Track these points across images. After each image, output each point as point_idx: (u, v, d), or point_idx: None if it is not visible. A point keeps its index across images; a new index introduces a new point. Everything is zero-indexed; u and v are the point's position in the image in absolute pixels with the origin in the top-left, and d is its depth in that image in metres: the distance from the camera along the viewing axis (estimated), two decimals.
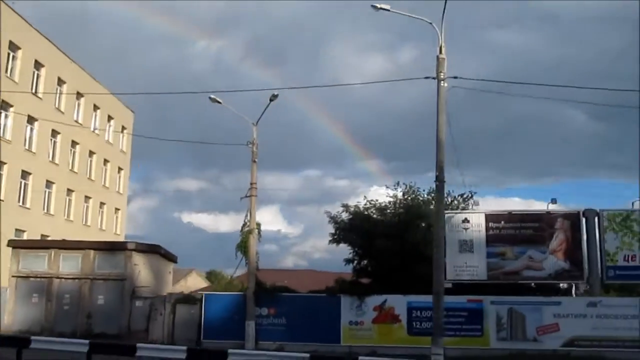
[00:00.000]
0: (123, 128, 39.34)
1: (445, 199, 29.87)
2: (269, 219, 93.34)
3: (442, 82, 15.19)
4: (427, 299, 19.82)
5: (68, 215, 32.36)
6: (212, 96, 20.64)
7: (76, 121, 32.90)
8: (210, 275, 51.28)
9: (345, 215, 21.76)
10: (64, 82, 31.77)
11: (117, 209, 38.58)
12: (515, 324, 19.57)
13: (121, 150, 39.36)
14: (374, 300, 20.25)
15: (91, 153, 34.77)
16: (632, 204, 22.86)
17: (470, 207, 29.24)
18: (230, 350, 12.48)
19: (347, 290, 20.59)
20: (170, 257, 25.78)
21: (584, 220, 20.96)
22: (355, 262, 22.27)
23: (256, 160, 21.39)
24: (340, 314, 20.33)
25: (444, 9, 14.70)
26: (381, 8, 15.43)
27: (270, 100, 20.27)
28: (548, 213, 21.67)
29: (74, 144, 32.87)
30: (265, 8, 76.63)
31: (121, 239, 37.59)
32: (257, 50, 78.71)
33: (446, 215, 21.66)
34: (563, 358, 18.55)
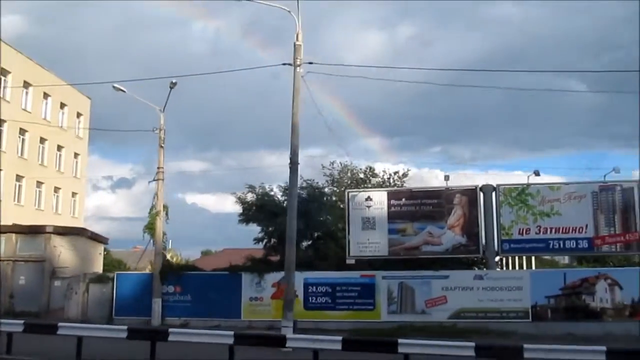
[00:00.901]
0: (79, 114, 40.12)
1: (381, 177, 30.92)
2: None
3: (298, 67, 15.75)
4: (322, 275, 20.87)
5: (19, 200, 33.40)
6: (116, 85, 21.24)
7: (24, 109, 33.71)
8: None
9: (250, 196, 22.43)
10: (9, 72, 32.54)
11: (74, 193, 39.55)
12: (405, 298, 20.27)
13: (77, 136, 40.14)
14: (273, 277, 21.00)
15: (42, 140, 35.63)
16: (528, 177, 23.23)
17: (401, 182, 30.06)
18: (170, 330, 12.86)
19: (247, 268, 21.40)
20: (100, 239, 26.66)
21: (481, 195, 21.59)
22: (265, 240, 23.02)
23: (163, 145, 22.09)
24: (241, 291, 21.14)
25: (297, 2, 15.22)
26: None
27: (170, 87, 20.91)
28: (447, 189, 22.19)
29: (22, 131, 33.72)
30: None
31: (79, 222, 38.64)
32: (255, 30, 78.97)
33: (350, 194, 22.57)
34: (450, 329, 19.19)
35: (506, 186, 21.64)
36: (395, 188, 24.43)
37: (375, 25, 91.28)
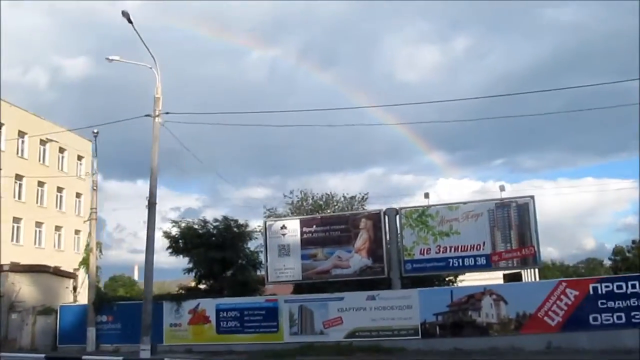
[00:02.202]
0: (80, 157, 43.67)
1: (343, 201, 32.17)
2: None
3: (156, 118, 17.62)
4: (232, 300, 22.40)
5: (17, 240, 36.91)
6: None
7: (20, 157, 37.42)
8: None
9: (175, 231, 24.31)
10: (3, 124, 36.32)
11: (77, 231, 42.97)
12: (305, 320, 21.40)
13: (79, 177, 43.64)
14: (189, 304, 22.67)
15: (41, 183, 39.22)
16: (425, 194, 23.61)
17: (360, 207, 31.18)
18: (84, 357, 14.93)
19: (167, 297, 23.21)
20: (66, 275, 29.28)
21: (386, 218, 22.53)
22: (195, 270, 24.77)
23: (96, 189, 24.57)
24: (162, 317, 22.91)
25: (154, 59, 17.18)
26: (112, 59, 18.17)
27: (94, 136, 23.34)
28: (353, 215, 23.32)
29: (18, 177, 37.36)
30: (311, 12, 78.87)
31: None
32: (310, 54, 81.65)
33: (267, 223, 24.01)
34: (346, 348, 20.23)
35: (407, 209, 22.50)
36: (308, 216, 25.60)
37: (430, 40, 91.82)
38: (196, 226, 24.07)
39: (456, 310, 20.00)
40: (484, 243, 21.15)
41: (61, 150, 41.59)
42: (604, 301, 18.92)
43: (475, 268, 21.73)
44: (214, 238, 23.64)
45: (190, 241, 23.81)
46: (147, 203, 17.30)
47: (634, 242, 61.70)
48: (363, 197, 32.41)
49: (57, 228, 40.78)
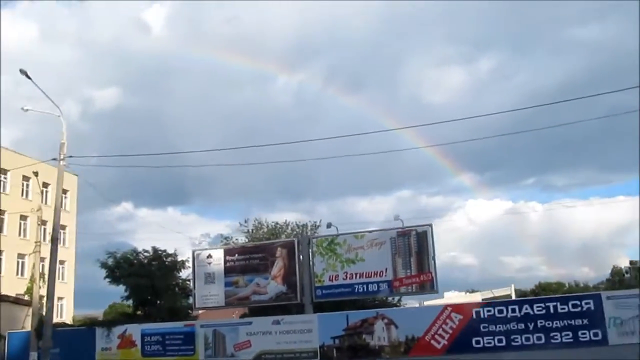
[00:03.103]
0: (64, 191, 46.19)
1: (297, 229, 33.66)
2: None
3: (61, 161, 19.57)
4: (156, 326, 23.99)
5: None
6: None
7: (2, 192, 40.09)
8: None
9: (111, 261, 26.11)
10: None
11: (62, 261, 45.26)
12: (218, 343, 22.80)
13: (64, 210, 46.09)
14: (119, 329, 24.32)
15: (23, 217, 41.76)
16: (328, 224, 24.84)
17: (312, 233, 32.60)
18: None
19: (98, 323, 24.97)
20: (24, 303, 31.34)
21: (299, 247, 23.95)
22: (132, 297, 26.49)
23: (40, 223, 26.61)
24: (95, 342, 24.60)
25: (59, 110, 19.19)
26: (27, 109, 20.30)
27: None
28: (270, 244, 24.81)
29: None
30: (336, 36, 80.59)
31: (69, 286, 44.30)
32: (335, 78, 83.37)
33: (195, 253, 25.63)
34: None
35: (319, 238, 23.95)
36: (230, 246, 27.16)
37: (455, 61, 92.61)
38: (129, 256, 25.84)
39: (351, 334, 21.18)
40: (386, 269, 22.36)
41: (45, 185, 44.14)
42: (486, 325, 19.91)
43: (378, 293, 22.98)
44: (144, 268, 25.33)
45: (124, 271, 25.57)
46: (50, 239, 19.09)
47: (631, 262, 61.30)
48: (315, 224, 33.86)
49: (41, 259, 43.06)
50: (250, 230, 33.69)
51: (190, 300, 26.11)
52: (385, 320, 20.90)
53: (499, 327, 19.75)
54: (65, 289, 44.72)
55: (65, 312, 44.95)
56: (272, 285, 23.83)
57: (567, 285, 70.56)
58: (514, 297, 49.48)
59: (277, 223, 33.91)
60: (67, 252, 46.04)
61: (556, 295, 22.53)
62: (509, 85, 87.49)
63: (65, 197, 46.42)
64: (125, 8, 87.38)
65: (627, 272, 61.63)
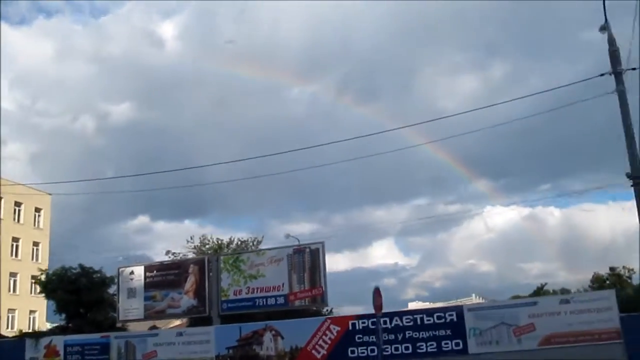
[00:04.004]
0: (38, 209, 48.78)
1: (239, 245, 35.54)
2: (383, 253, 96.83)
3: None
4: (76, 337, 25.97)
5: None
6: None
7: None
8: None
9: (43, 277, 28.21)
10: None
11: (35, 276, 47.66)
12: (129, 354, 24.60)
13: (37, 228, 48.64)
14: (45, 340, 26.32)
15: None
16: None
17: (253, 247, 34.46)
18: None
19: (28, 334, 27.05)
20: None
21: (209, 264, 25.76)
22: (62, 311, 28.54)
23: None
24: (24, 353, 26.62)
25: None
26: None
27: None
28: (184, 261, 26.72)
29: None
30: (349, 46, 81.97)
31: (42, 300, 46.52)
32: (349, 88, 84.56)
33: (120, 269, 27.61)
34: None
35: (226, 255, 25.77)
36: (149, 263, 28.97)
37: (467, 69, 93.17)
38: (59, 273, 27.92)
39: (243, 345, 22.83)
40: (283, 284, 24.06)
41: (17, 204, 46.74)
42: (360, 336, 21.44)
43: (276, 307, 24.58)
44: (72, 283, 27.38)
45: (55, 286, 27.65)
46: None
47: (611, 269, 61.81)
48: (256, 240, 35.77)
49: (13, 274, 45.60)
50: (197, 246, 35.71)
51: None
52: (273, 332, 22.53)
53: (372, 337, 21.24)
54: (38, 303, 46.89)
55: (37, 324, 47.16)
56: (184, 300, 25.67)
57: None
58: None
59: (220, 240, 35.85)
60: (40, 268, 48.37)
61: (422, 308, 23.87)
62: (523, 91, 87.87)
63: (39, 215, 48.96)
64: (139, 23, 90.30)
65: (607, 279, 62.16)
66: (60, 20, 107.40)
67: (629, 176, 13.53)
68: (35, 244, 47.96)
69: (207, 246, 35.85)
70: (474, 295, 63.88)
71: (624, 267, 66.01)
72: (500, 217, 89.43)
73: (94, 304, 27.60)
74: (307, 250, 24.18)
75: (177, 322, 33.93)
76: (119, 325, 27.19)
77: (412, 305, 56.21)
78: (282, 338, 22.40)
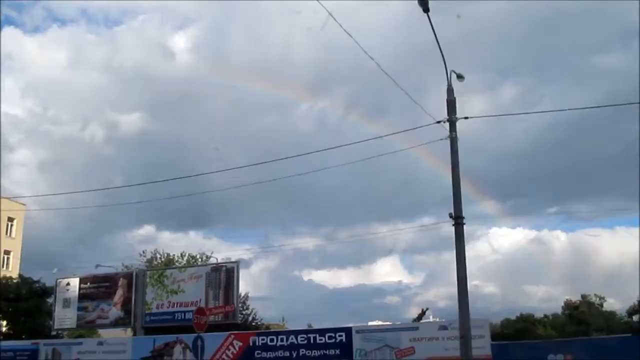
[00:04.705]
0: (11, 219, 50.79)
1: (189, 260, 37.27)
2: (388, 270, 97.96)
3: None
4: (11, 343, 27.74)
5: None
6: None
7: None
8: None
9: None
10: None
11: None
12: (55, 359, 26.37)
13: (9, 237, 50.61)
14: None
15: None
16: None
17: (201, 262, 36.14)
18: None
19: None
20: None
21: (137, 278, 27.47)
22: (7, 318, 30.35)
23: None
24: None
25: None
26: None
27: None
28: (115, 274, 28.42)
29: None
30: (359, 63, 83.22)
31: None
32: (358, 105, 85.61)
33: (57, 280, 29.42)
34: None
35: (151, 270, 27.47)
36: (84, 275, 30.68)
37: (478, 89, 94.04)
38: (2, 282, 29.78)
39: (156, 356, 24.41)
40: (200, 300, 25.67)
41: None
42: (260, 352, 22.95)
43: (192, 321, 26.11)
44: (12, 293, 29.21)
45: None
46: None
47: (583, 296, 62.86)
48: (205, 255, 37.56)
49: None
50: (149, 260, 37.51)
51: None
52: (183, 345, 24.10)
53: (269, 354, 22.75)
54: None
55: None
56: (113, 311, 27.37)
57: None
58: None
59: (169, 254, 37.66)
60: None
61: (316, 328, 25.37)
62: (532, 113, 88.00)
63: (12, 225, 50.97)
64: (151, 35, 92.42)
65: (577, 307, 62.97)
66: (74, 29, 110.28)
67: (451, 216, 15.06)
68: (7, 252, 49.90)
69: (156, 260, 37.67)
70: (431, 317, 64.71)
71: (595, 294, 67.04)
72: (506, 238, 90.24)
73: (33, 313, 29.29)
74: (224, 268, 25.87)
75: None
76: (53, 333, 28.89)
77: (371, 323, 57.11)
78: (190, 350, 23.96)
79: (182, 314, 25.91)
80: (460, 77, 17.07)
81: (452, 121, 15.58)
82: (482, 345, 20.40)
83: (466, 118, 15.69)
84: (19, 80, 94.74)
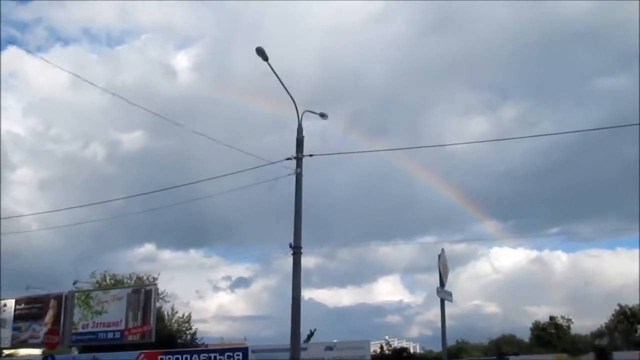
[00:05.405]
0: None
1: (137, 281, 38.90)
2: (389, 289, 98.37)
3: None
4: None
5: None
6: None
7: None
8: None
9: None
10: None
11: None
12: None
13: None
14: None
15: None
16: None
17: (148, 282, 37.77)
18: None
19: None
20: None
21: (66, 300, 29.21)
22: None
23: None
24: None
25: None
26: None
27: None
28: (46, 296, 30.15)
29: None
30: (360, 82, 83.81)
31: None
32: (358, 123, 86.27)
33: None
34: None
35: (79, 292, 29.21)
36: (19, 296, 32.34)
37: (478, 110, 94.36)
38: None
39: None
40: (121, 320, 27.41)
41: None
42: None
43: (113, 340, 27.86)
44: None
45: None
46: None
47: (551, 318, 63.97)
48: (151, 277, 39.21)
49: None
50: (99, 281, 39.20)
51: None
52: None
53: None
54: None
55: None
56: (43, 330, 29.06)
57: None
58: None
59: (114, 275, 39.32)
60: None
61: (214, 348, 26.98)
62: (532, 134, 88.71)
63: None
64: (153, 54, 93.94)
65: (544, 329, 63.96)
66: (76, 48, 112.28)
67: (290, 246, 16.65)
68: None
69: (105, 281, 39.32)
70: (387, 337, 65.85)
71: (562, 317, 68.11)
72: (507, 258, 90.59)
73: None
74: (143, 291, 27.60)
75: None
76: None
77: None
78: None
79: (105, 334, 27.61)
80: (323, 116, 18.79)
81: (299, 158, 17.26)
82: None
83: (311, 155, 17.38)
84: (21, 99, 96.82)
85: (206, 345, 34.68)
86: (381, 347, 27.42)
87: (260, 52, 16.17)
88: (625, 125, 18.18)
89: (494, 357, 26.44)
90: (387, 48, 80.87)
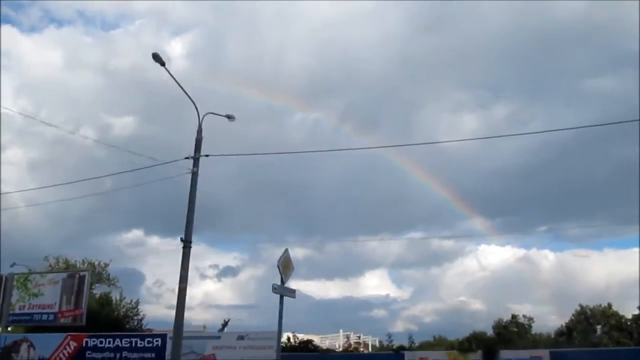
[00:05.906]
0: None
1: (93, 265, 40.09)
2: (376, 283, 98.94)
3: None
4: None
5: None
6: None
7: None
8: None
9: None
10: None
11: None
12: None
13: None
14: None
15: None
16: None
17: (100, 269, 39.05)
18: None
19: None
20: None
21: (6, 281, 30.25)
22: None
23: None
24: None
25: None
26: None
27: None
28: None
29: None
30: (353, 76, 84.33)
31: None
32: (351, 118, 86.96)
33: None
34: None
35: (18, 274, 30.30)
36: None
37: (470, 107, 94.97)
38: None
39: (6, 352, 27.31)
40: (55, 303, 28.42)
41: None
42: (90, 352, 25.91)
43: (48, 322, 28.96)
44: None
45: None
46: None
47: (513, 316, 65.39)
48: (102, 263, 40.49)
49: None
50: (52, 264, 40.39)
51: None
52: (28, 343, 26.99)
53: (98, 354, 25.71)
54: None
55: None
56: None
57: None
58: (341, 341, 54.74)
59: (67, 260, 40.52)
60: None
61: (136, 333, 28.19)
62: (523, 132, 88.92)
63: None
64: (147, 39, 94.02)
65: (506, 327, 65.34)
66: (71, 30, 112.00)
67: (182, 239, 17.71)
68: None
69: (59, 265, 40.55)
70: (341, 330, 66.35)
71: (524, 315, 69.65)
72: (495, 256, 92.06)
73: None
74: (77, 276, 28.66)
75: None
76: None
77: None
78: (34, 349, 26.85)
79: (40, 315, 28.62)
80: (230, 117, 19.79)
81: (196, 158, 18.31)
82: (269, 354, 23.35)
83: (207, 156, 18.44)
84: (14, 79, 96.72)
85: (151, 331, 35.93)
86: (288, 339, 28.62)
87: (157, 57, 17.07)
88: (617, 123, 18.45)
89: (390, 352, 27.68)
90: (382, 42, 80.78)
